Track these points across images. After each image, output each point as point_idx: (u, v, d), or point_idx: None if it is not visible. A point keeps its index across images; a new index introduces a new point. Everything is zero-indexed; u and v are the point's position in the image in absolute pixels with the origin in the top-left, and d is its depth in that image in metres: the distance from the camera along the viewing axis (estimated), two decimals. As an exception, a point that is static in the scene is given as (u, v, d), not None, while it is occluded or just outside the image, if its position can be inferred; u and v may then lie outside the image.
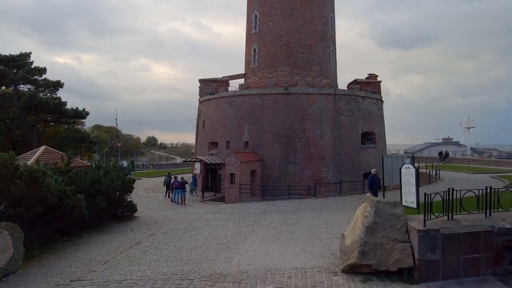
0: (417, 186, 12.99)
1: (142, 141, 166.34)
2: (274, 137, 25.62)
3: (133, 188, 17.53)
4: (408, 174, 13.35)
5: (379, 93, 31.52)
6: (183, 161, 34.16)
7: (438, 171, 28.89)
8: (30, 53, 34.21)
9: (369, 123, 27.56)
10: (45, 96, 34.77)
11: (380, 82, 31.88)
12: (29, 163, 16.97)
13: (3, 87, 33.47)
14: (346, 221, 14.13)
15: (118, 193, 15.54)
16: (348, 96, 26.65)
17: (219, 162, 26.79)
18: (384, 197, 16.35)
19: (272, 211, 18.24)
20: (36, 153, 17.40)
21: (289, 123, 25.53)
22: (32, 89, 34.09)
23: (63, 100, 33.39)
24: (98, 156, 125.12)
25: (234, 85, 34.28)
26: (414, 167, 13.26)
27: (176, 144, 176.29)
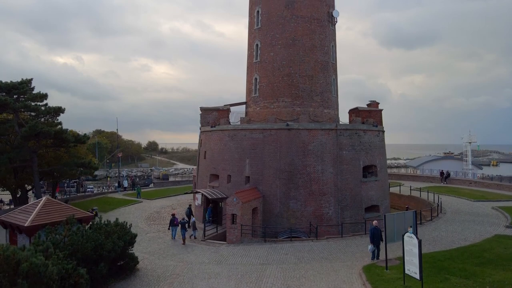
0: (420, 257, 12.88)
1: (143, 146, 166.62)
2: (276, 173, 25.58)
3: (135, 241, 17.50)
4: (411, 243, 13.28)
5: (380, 121, 31.45)
6: (184, 193, 34.00)
7: (440, 202, 28.76)
8: (31, 79, 34.20)
9: (370, 156, 27.51)
10: (46, 122, 34.78)
11: (381, 110, 31.82)
12: (30, 218, 16.99)
13: (4, 114, 33.45)
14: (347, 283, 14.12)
15: (119, 250, 15.48)
16: (349, 131, 26.60)
17: (220, 196, 26.78)
18: (386, 250, 16.30)
19: (273, 261, 18.20)
20: (37, 205, 17.38)
21: (290, 159, 25.49)
22: (33, 115, 34.09)
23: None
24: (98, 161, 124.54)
25: (235, 110, 34.33)
26: (417, 238, 13.17)
27: (177, 148, 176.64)
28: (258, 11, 30.82)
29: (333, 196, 25.42)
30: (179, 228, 23.06)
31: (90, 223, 17.41)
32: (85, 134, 35.30)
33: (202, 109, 31.47)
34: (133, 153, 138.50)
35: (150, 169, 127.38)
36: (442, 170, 44.64)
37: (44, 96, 34.41)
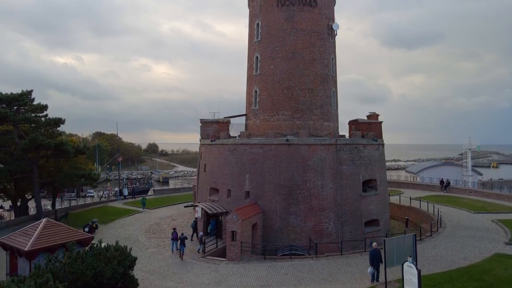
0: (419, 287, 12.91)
1: (143, 148, 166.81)
2: (276, 188, 25.60)
3: (135, 264, 17.51)
4: (410, 273, 13.32)
5: (380, 134, 31.47)
6: (184, 206, 34.04)
7: (439, 216, 28.74)
8: (32, 90, 34.21)
9: (370, 170, 27.53)
10: (46, 132, 34.80)
11: (381, 122, 31.84)
12: (30, 242, 17.00)
13: (5, 125, 33.47)
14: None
15: (119, 276, 15.48)
16: (349, 146, 26.61)
17: (220, 211, 26.81)
18: (385, 274, 16.32)
19: (273, 282, 18.23)
20: (37, 228, 17.39)
21: (290, 174, 25.51)
22: (33, 126, 34.09)
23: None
24: (99, 166, 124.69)
25: (235, 121, 34.33)
26: (416, 268, 13.19)
27: (177, 150, 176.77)
28: (258, 24, 30.85)
29: (333, 211, 25.44)
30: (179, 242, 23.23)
31: (90, 244, 17.41)
32: (85, 145, 35.25)
33: (202, 121, 31.48)
34: (133, 156, 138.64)
35: (150, 172, 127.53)
36: (442, 179, 44.65)
37: (44, 107, 34.44)
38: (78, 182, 35.74)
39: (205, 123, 31.31)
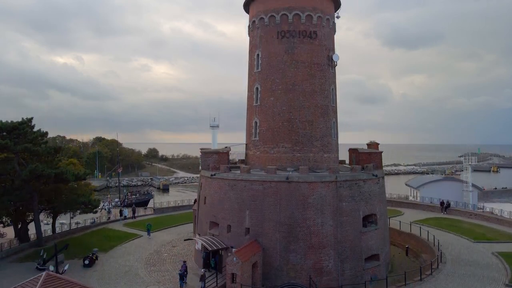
0: None
1: (143, 153, 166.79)
2: (276, 225, 25.58)
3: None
4: None
5: (380, 164, 31.47)
6: (184, 240, 34.00)
7: (440, 251, 28.70)
8: (32, 118, 34.20)
9: (370, 205, 27.50)
10: (46, 159, 34.76)
11: (381, 152, 31.80)
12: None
13: (5, 153, 33.45)
14: None
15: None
16: (349, 182, 26.57)
17: (220, 247, 26.80)
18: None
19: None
20: (37, 283, 17.35)
21: (290, 212, 25.48)
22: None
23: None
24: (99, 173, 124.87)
25: (235, 149, 34.38)
26: None
27: (177, 155, 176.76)
28: (258, 55, 30.81)
29: (332, 248, 25.42)
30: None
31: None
32: (85, 171, 35.32)
33: (202, 151, 31.46)
34: (133, 162, 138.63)
35: (150, 178, 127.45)
36: (442, 200, 44.66)
37: (44, 135, 34.50)
38: (77, 208, 35.80)
39: (205, 154, 31.29)
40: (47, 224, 41.50)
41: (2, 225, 36.54)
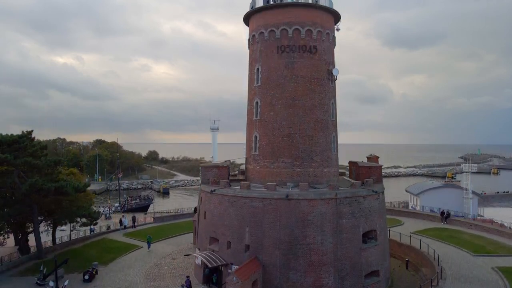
0: None
1: (143, 155, 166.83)
2: (275, 243, 25.58)
3: None
4: None
5: (380, 177, 31.49)
6: (184, 255, 33.90)
7: (440, 266, 28.68)
8: (32, 131, 34.22)
9: (370, 221, 27.49)
10: (46, 172, 34.76)
11: (381, 166, 31.84)
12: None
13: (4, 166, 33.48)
14: None
15: None
16: (349, 199, 26.56)
17: (220, 264, 26.81)
18: None
19: None
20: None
21: (290, 230, 25.48)
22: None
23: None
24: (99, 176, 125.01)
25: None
26: None
27: (177, 157, 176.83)
28: (258, 69, 30.80)
29: (332, 266, 25.42)
30: None
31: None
32: (84, 183, 35.34)
33: (201, 166, 31.47)
34: (133, 165, 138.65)
35: (151, 181, 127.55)
36: (443, 210, 44.68)
37: (44, 147, 34.51)
38: (77, 221, 35.91)
39: (205, 168, 31.30)
40: (47, 230, 41.44)
41: (2, 237, 36.55)
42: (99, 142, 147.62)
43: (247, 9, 31.91)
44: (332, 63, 31.17)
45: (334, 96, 31.71)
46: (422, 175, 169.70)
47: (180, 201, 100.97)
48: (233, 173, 36.56)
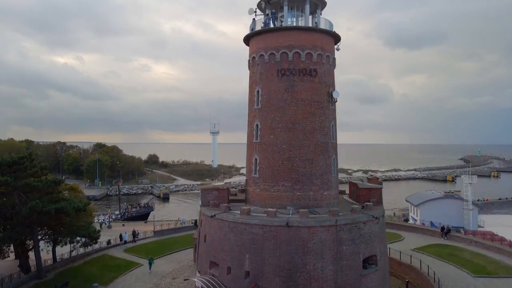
0: None
1: (143, 159, 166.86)
2: (275, 270, 25.57)
3: None
4: None
5: (380, 199, 31.48)
6: (184, 279, 33.88)
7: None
8: (31, 152, 34.28)
9: (370, 247, 27.46)
10: (46, 192, 34.79)
11: (381, 188, 31.81)
12: None
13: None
14: None
15: None
16: (349, 225, 26.54)
17: (220, 290, 26.81)
18: None
19: None
20: None
21: (290, 257, 25.47)
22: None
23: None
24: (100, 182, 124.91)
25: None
26: None
27: (178, 161, 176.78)
28: (258, 91, 30.79)
29: (333, 293, 25.41)
30: None
31: None
32: (85, 203, 35.35)
33: (202, 189, 31.47)
34: (133, 169, 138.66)
35: (151, 186, 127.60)
36: (443, 226, 44.71)
37: (44, 167, 34.51)
38: (77, 241, 36.01)
39: (205, 191, 31.29)
40: (48, 244, 41.31)
41: (3, 256, 36.56)
42: (99, 146, 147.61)
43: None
44: (332, 85, 31.16)
45: (334, 118, 31.70)
46: (422, 178, 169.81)
47: (180, 208, 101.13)
48: (233, 191, 36.55)
